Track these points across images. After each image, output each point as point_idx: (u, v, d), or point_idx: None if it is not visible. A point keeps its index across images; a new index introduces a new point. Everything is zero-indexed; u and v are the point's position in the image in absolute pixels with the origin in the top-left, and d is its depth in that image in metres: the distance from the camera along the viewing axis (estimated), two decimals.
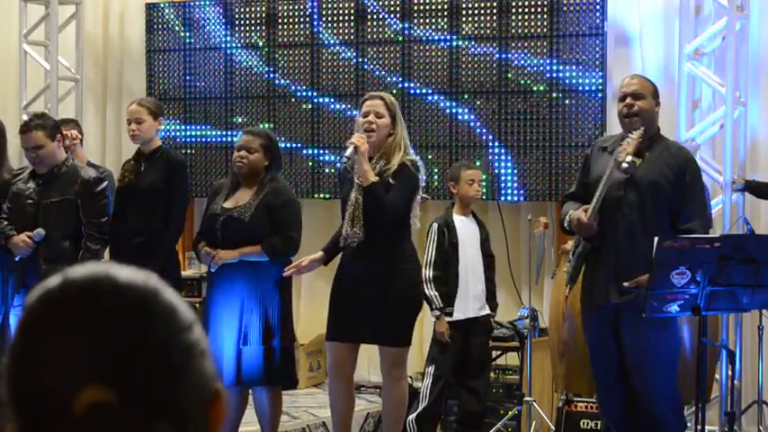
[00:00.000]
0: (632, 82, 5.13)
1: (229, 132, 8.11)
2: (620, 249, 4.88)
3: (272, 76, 7.98)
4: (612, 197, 4.90)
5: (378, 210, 5.22)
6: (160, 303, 1.08)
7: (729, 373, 6.22)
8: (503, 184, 7.32)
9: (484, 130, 7.36)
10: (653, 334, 4.84)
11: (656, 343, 4.87)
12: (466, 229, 6.41)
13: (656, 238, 4.57)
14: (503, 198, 7.37)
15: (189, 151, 8.23)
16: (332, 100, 7.80)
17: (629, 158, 4.78)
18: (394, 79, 7.59)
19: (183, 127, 8.29)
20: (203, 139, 8.24)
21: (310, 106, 7.86)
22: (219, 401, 1.10)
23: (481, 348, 6.41)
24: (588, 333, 5.14)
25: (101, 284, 1.07)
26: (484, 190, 6.61)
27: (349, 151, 5.27)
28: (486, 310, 6.38)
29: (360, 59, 7.70)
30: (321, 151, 7.83)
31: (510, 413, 6.42)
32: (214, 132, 8.20)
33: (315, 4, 7.84)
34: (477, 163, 7.14)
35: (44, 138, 5.73)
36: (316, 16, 7.84)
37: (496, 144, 7.32)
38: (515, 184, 7.30)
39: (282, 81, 7.95)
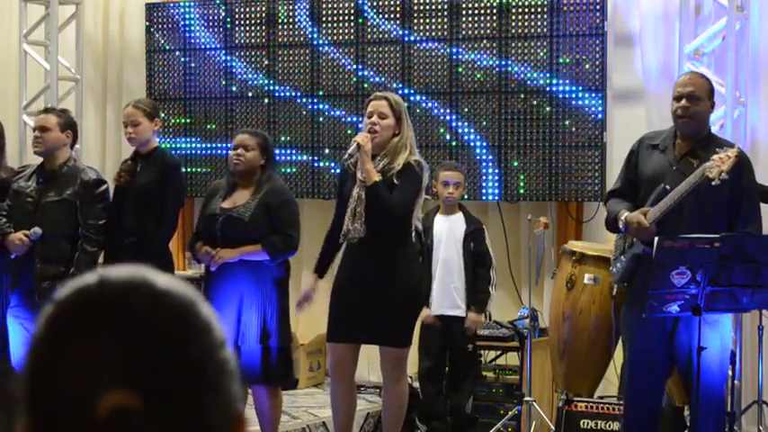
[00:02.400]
0: (689, 82, 5.01)
1: (229, 132, 8.11)
2: None
3: (271, 76, 7.98)
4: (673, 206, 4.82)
5: (382, 209, 5.22)
6: (198, 316, 1.06)
7: (729, 373, 6.21)
8: (502, 184, 7.32)
9: (483, 131, 7.36)
10: (705, 332, 4.80)
11: (707, 339, 4.82)
12: (445, 229, 6.42)
13: (656, 239, 4.57)
14: (502, 198, 7.37)
15: (188, 152, 8.23)
16: (331, 100, 7.79)
17: (724, 176, 4.62)
18: (392, 80, 7.59)
19: (182, 128, 8.29)
20: (202, 140, 8.24)
21: (310, 107, 7.86)
22: (242, 425, 1.08)
23: (463, 354, 6.41)
24: (632, 335, 5.06)
25: (139, 288, 1.05)
26: (463, 193, 6.58)
27: (352, 148, 5.29)
28: (461, 312, 6.38)
29: (359, 61, 7.70)
30: (320, 152, 7.83)
31: (510, 413, 6.42)
32: (213, 133, 8.20)
33: (314, 4, 7.84)
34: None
35: (55, 124, 5.76)
36: (315, 17, 7.84)
37: (495, 144, 7.32)
38: (515, 185, 7.30)
39: (282, 81, 7.95)
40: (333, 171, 7.74)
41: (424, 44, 7.52)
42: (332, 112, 7.80)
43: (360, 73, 7.70)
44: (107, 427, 1.00)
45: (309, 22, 7.86)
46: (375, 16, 7.67)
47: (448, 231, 6.44)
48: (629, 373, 5.17)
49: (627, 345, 5.16)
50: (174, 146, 8.15)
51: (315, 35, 7.84)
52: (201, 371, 1.04)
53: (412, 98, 7.44)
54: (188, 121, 8.25)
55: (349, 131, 7.61)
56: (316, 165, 7.85)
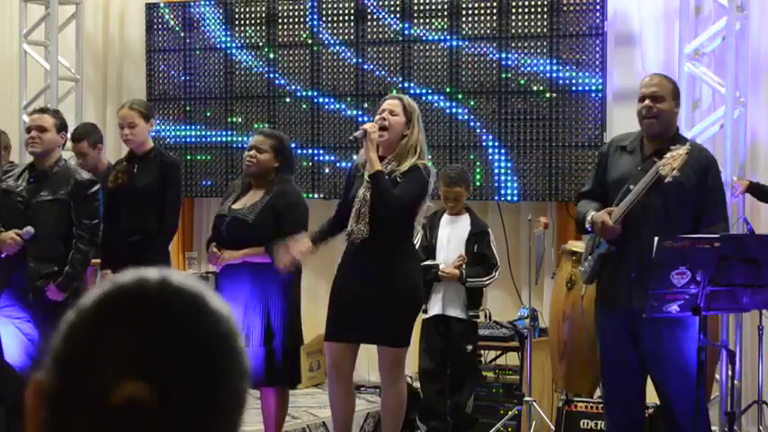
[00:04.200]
0: (652, 83, 5.04)
1: (229, 133, 8.12)
2: (643, 253, 4.76)
3: (271, 76, 7.98)
4: (638, 200, 4.84)
5: (380, 200, 5.22)
6: (237, 343, 1.10)
7: (729, 373, 6.21)
8: (502, 184, 7.32)
9: (483, 131, 7.36)
10: (672, 337, 4.80)
11: (673, 346, 4.82)
12: (450, 230, 6.42)
13: (656, 238, 4.56)
14: (502, 198, 7.37)
15: (188, 152, 8.24)
16: (331, 100, 7.80)
17: (675, 173, 4.66)
18: (394, 79, 7.59)
19: (182, 127, 8.29)
20: (203, 140, 8.24)
21: (310, 106, 7.86)
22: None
23: (463, 354, 6.40)
24: (602, 335, 5.09)
25: (195, 301, 1.08)
26: (468, 196, 6.60)
27: (358, 132, 5.31)
28: (462, 313, 6.38)
29: (359, 59, 7.70)
30: (320, 151, 7.83)
31: (510, 413, 6.42)
32: (213, 133, 8.20)
33: (315, 3, 7.84)
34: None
35: (52, 125, 5.76)
36: (316, 16, 7.84)
37: (496, 144, 7.32)
38: (515, 184, 7.30)
39: (282, 81, 7.95)
40: (334, 167, 7.74)
41: (424, 42, 7.52)
42: (332, 112, 7.80)
43: (361, 71, 7.70)
44: (117, 413, 1.02)
45: (310, 21, 7.86)
46: (377, 14, 7.67)
47: (452, 233, 6.44)
48: (602, 373, 5.18)
49: (599, 345, 5.17)
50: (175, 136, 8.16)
51: (316, 34, 7.84)
52: (224, 398, 1.07)
53: (413, 92, 7.44)
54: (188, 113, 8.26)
55: (349, 128, 7.63)
56: (315, 164, 7.84)
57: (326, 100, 7.81)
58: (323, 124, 7.83)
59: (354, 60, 7.72)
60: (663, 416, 5.15)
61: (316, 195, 7.83)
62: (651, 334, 4.83)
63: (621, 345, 4.95)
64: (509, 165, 7.30)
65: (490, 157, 7.34)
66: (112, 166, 6.58)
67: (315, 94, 7.84)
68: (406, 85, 7.52)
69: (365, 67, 7.69)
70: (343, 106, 7.76)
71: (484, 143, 7.36)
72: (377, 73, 7.65)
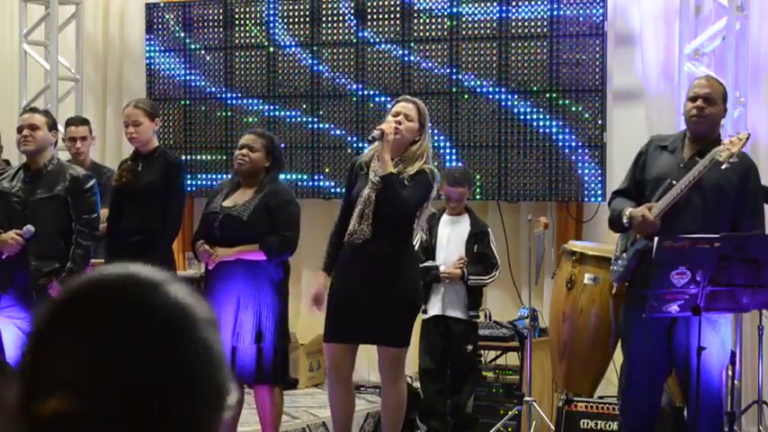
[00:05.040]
0: (706, 84, 5.06)
1: (228, 132, 8.12)
2: None
3: (272, 76, 7.98)
4: (681, 195, 4.84)
5: (389, 201, 5.21)
6: (177, 353, 1.05)
7: (729, 373, 6.21)
8: (502, 184, 7.32)
9: (483, 130, 7.36)
10: (707, 333, 4.79)
11: (707, 339, 4.81)
12: (450, 230, 6.42)
13: (656, 238, 4.56)
14: (503, 198, 7.37)
15: (187, 151, 8.24)
16: (332, 100, 7.80)
17: (733, 159, 4.68)
18: (392, 79, 7.58)
19: (182, 127, 8.29)
20: (202, 140, 8.24)
21: (310, 106, 7.86)
22: None
23: (463, 354, 6.39)
24: (632, 334, 5.06)
25: (117, 296, 1.05)
26: (469, 196, 6.59)
27: (375, 133, 5.29)
28: (462, 314, 6.38)
29: (359, 59, 7.70)
30: (321, 151, 7.83)
31: (510, 413, 6.42)
32: (213, 132, 8.20)
33: (314, 4, 7.84)
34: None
35: (43, 123, 5.79)
36: (315, 17, 7.84)
37: (496, 144, 7.32)
38: (515, 184, 7.29)
39: (283, 81, 7.95)
40: (331, 179, 7.75)
41: (423, 42, 7.52)
42: (333, 111, 7.80)
43: (361, 71, 7.70)
44: (44, 425, 1.00)
45: (310, 21, 7.86)
46: (377, 14, 7.67)
47: (452, 233, 6.44)
48: (627, 372, 5.17)
49: (626, 343, 5.16)
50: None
51: (315, 33, 7.84)
52: (162, 411, 1.02)
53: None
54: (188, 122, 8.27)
55: (350, 131, 7.63)
56: (316, 164, 7.85)
57: (327, 100, 7.81)
58: (324, 124, 7.82)
59: (354, 60, 7.72)
60: (687, 413, 5.11)
61: (316, 195, 7.83)
62: (684, 332, 4.82)
63: (652, 344, 4.94)
64: (509, 165, 7.28)
65: (490, 158, 7.33)
66: (101, 165, 6.62)
67: (315, 94, 7.84)
68: (405, 86, 7.51)
69: (365, 66, 7.68)
70: (344, 106, 7.76)
71: (484, 143, 7.35)
72: (376, 73, 7.65)
